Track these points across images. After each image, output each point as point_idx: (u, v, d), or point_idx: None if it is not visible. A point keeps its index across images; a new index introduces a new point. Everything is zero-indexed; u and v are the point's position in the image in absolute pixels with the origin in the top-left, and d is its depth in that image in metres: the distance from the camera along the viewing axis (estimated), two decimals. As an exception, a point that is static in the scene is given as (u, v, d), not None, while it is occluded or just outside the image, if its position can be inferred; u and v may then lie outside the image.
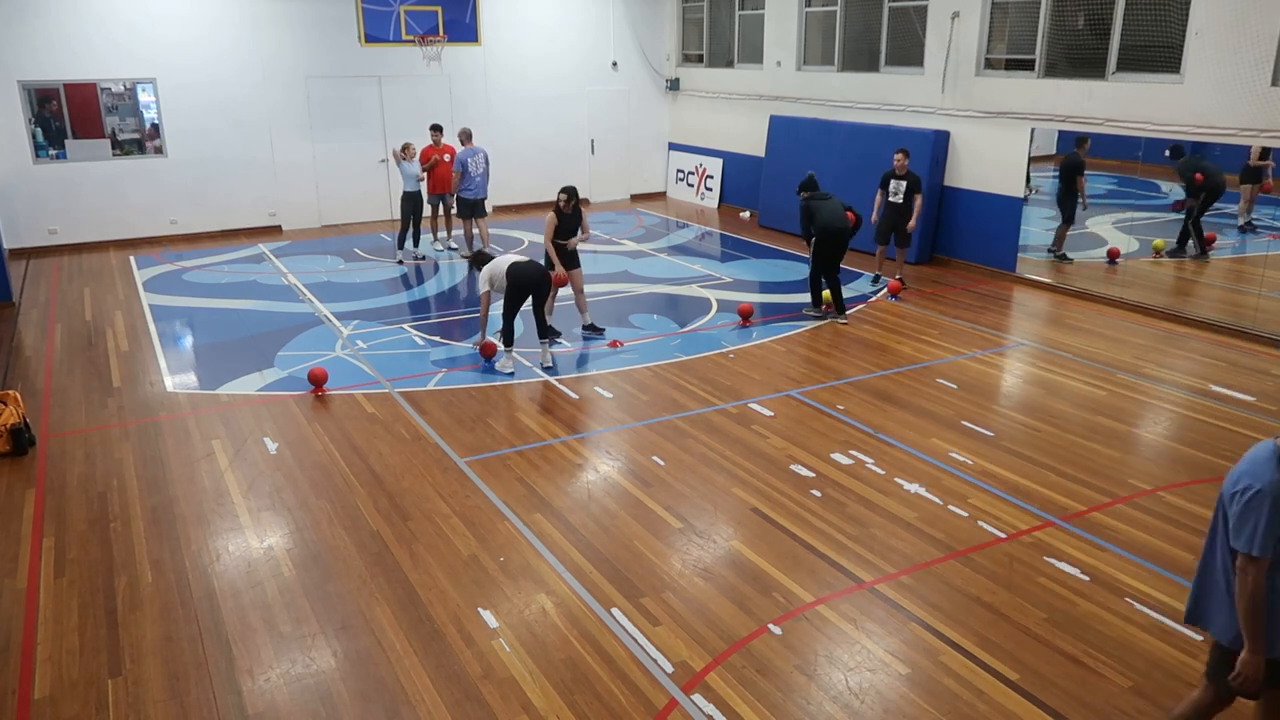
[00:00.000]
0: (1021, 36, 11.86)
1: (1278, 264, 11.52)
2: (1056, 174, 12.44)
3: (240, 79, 14.67)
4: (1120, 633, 4.91)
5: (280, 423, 7.67)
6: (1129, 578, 5.41)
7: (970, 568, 5.52)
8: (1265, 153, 11.53)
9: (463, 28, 16.09)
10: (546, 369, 8.86)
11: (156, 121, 14.39)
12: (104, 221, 14.29)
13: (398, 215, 13.74)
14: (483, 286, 8.88)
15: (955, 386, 8.42)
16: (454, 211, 13.62)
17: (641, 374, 8.79)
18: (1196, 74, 9.78)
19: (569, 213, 9.34)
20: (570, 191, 9.36)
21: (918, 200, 11.47)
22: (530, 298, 8.67)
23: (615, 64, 17.79)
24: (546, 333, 8.96)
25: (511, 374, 8.75)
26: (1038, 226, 12.82)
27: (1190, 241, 12.20)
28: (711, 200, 17.81)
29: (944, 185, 12.92)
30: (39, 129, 13.78)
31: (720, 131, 17.45)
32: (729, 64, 17.15)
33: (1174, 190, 13.28)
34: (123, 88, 14.21)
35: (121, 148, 14.34)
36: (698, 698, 4.42)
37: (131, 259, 13.52)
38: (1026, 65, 11.72)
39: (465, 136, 13.08)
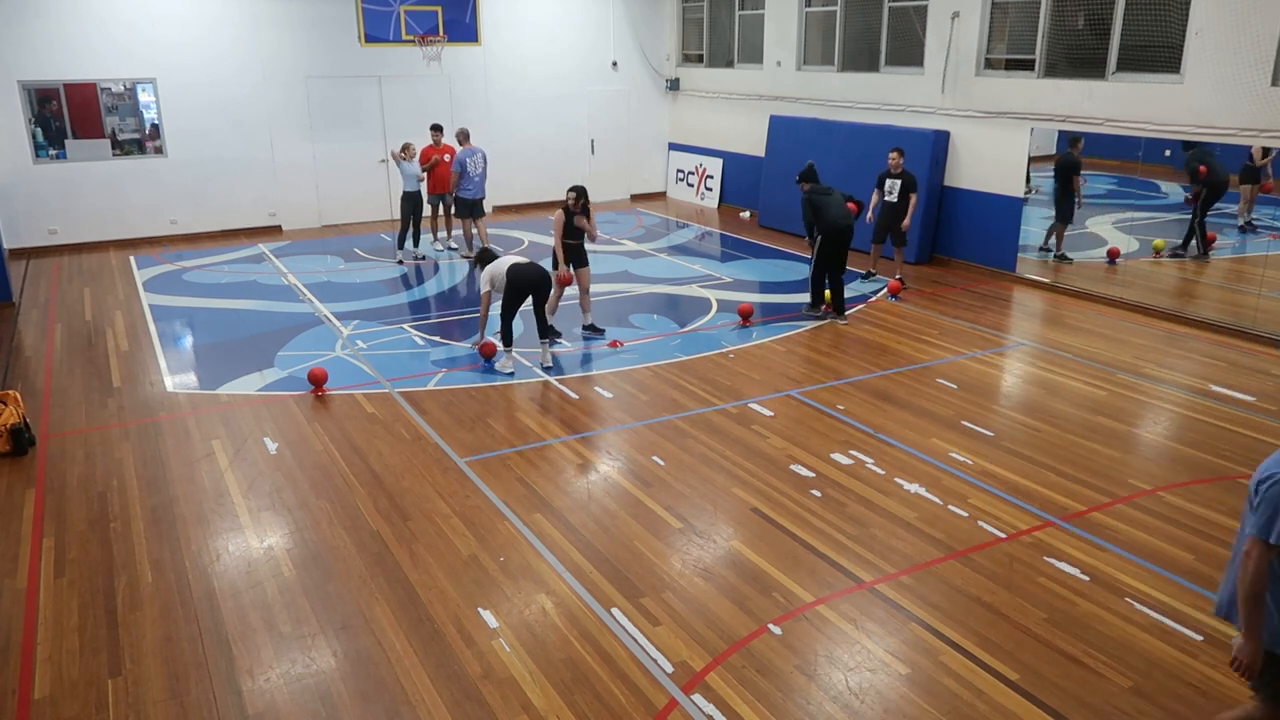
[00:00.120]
0: (1021, 36, 11.86)
1: (1278, 264, 11.52)
2: (1050, 174, 12.44)
3: (240, 79, 14.67)
4: (1120, 633, 4.91)
5: (280, 423, 7.67)
6: (1129, 578, 5.41)
7: (970, 568, 5.52)
8: (1265, 153, 11.54)
9: (463, 28, 16.09)
10: (546, 369, 8.86)
11: (156, 121, 14.39)
12: (104, 221, 14.29)
13: (398, 215, 13.74)
14: (483, 287, 8.88)
15: (955, 386, 8.43)
16: (453, 212, 13.62)
17: (641, 374, 8.79)
18: (1196, 74, 9.78)
19: (577, 212, 9.36)
20: (579, 190, 9.39)
21: (913, 199, 11.49)
22: (530, 299, 8.67)
23: (615, 64, 17.79)
24: (546, 333, 8.96)
25: (511, 374, 8.75)
26: (1038, 226, 12.83)
27: (1193, 241, 12.19)
28: (711, 200, 17.81)
29: (944, 185, 12.92)
30: (39, 129, 13.78)
31: (720, 131, 17.45)
32: (729, 64, 17.15)
33: (1174, 190, 13.29)
34: (123, 88, 14.22)
35: (121, 148, 14.34)
36: (698, 698, 4.42)
37: (131, 259, 13.52)
38: (1026, 65, 11.72)
39: (464, 136, 13.09)
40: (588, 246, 9.72)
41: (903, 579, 5.41)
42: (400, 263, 13.10)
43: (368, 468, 6.85)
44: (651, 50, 18.14)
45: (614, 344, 9.61)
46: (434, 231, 14.19)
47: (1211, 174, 11.62)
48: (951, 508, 6.23)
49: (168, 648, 4.81)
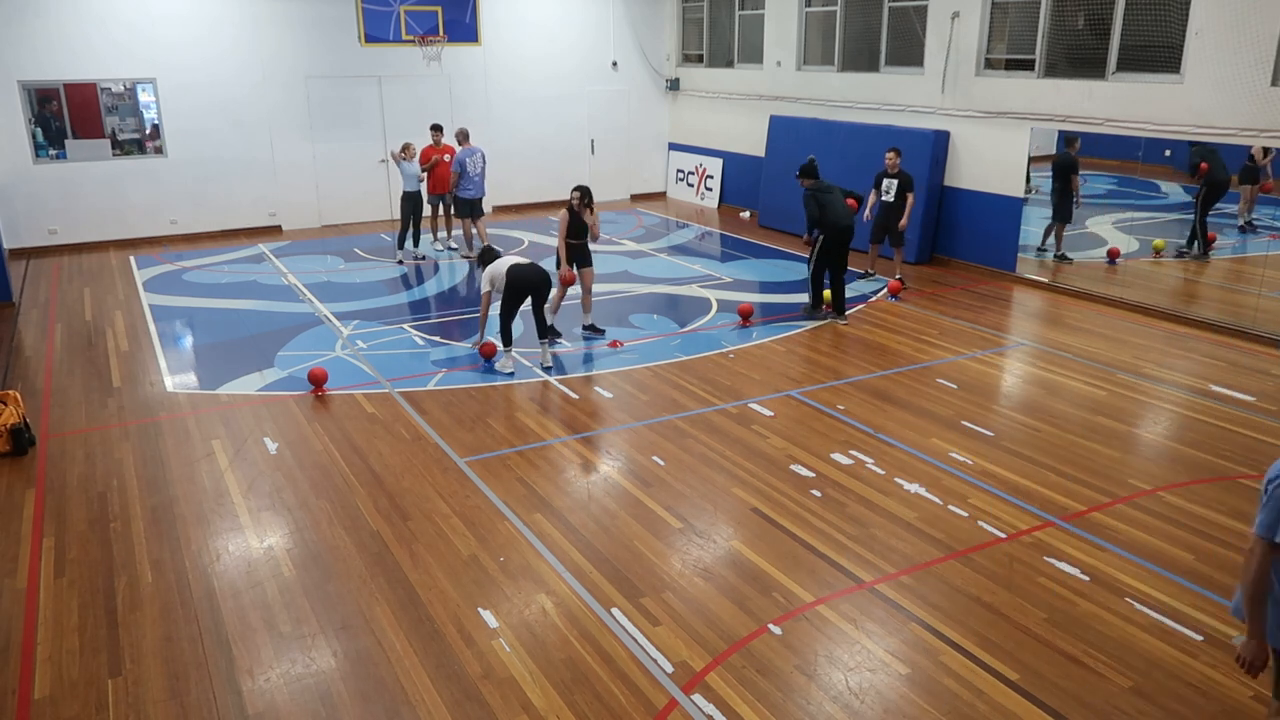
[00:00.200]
0: (1021, 36, 11.86)
1: (1278, 264, 11.53)
2: (1048, 174, 12.42)
3: (240, 79, 14.67)
4: (1120, 633, 4.91)
5: (280, 423, 7.67)
6: (1129, 578, 5.41)
7: (970, 568, 5.52)
8: (1265, 153, 11.53)
9: (463, 28, 16.09)
10: (546, 369, 8.86)
11: (156, 121, 14.39)
12: (104, 221, 14.29)
13: (398, 215, 13.74)
14: (484, 286, 8.88)
15: (955, 386, 8.43)
16: (453, 212, 13.63)
17: (641, 374, 8.79)
18: (1196, 74, 9.78)
19: (580, 209, 9.38)
20: (584, 190, 9.42)
21: (910, 199, 11.51)
22: (529, 300, 8.67)
23: (615, 64, 17.79)
24: (546, 333, 8.96)
25: (511, 374, 8.75)
26: (1038, 226, 12.83)
27: (1197, 240, 12.16)
28: (711, 200, 17.81)
29: (944, 185, 12.92)
30: (39, 129, 13.78)
31: (720, 131, 17.45)
32: (729, 64, 17.15)
33: (1174, 190, 13.29)
34: (123, 88, 14.22)
35: (121, 148, 14.34)
36: (698, 698, 4.42)
37: (131, 259, 13.52)
38: (1026, 65, 11.72)
39: (463, 136, 13.09)
40: (591, 246, 9.75)
41: (903, 579, 5.41)
42: (400, 263, 13.10)
43: (368, 468, 6.85)
44: (651, 50, 18.14)
45: (614, 344, 9.61)
46: (434, 231, 14.19)
47: (1212, 172, 11.60)
48: (951, 508, 6.23)
49: (168, 648, 4.82)
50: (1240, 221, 12.57)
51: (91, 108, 14.00)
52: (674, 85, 18.30)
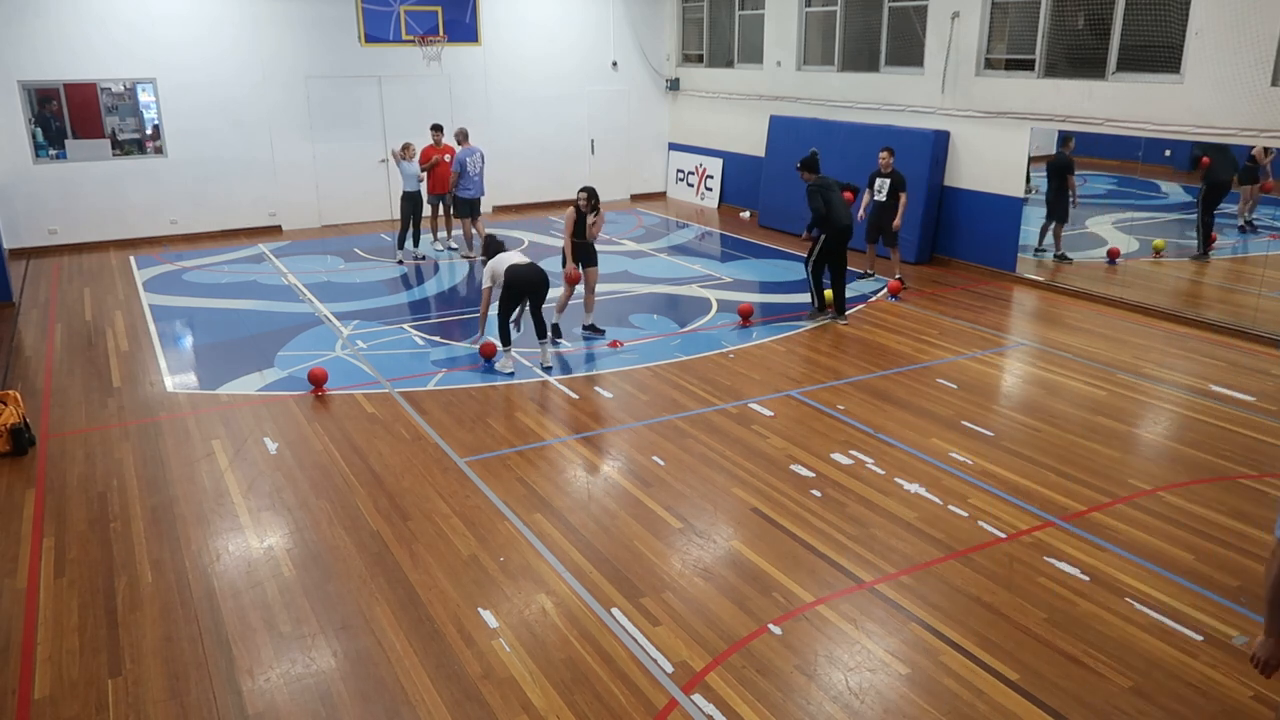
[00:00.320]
0: (1021, 36, 11.86)
1: (1278, 264, 11.53)
2: (1044, 174, 12.40)
3: (240, 79, 14.67)
4: (1120, 633, 4.91)
5: (280, 423, 7.67)
6: (1129, 578, 5.41)
7: (970, 568, 5.52)
8: (1266, 153, 11.52)
9: (463, 28, 16.09)
10: (546, 369, 8.86)
11: (157, 121, 14.39)
12: (104, 221, 14.29)
13: (398, 215, 13.74)
14: (485, 282, 8.84)
15: (955, 386, 8.42)
16: (453, 211, 13.63)
17: (641, 374, 8.79)
18: (1196, 74, 9.78)
19: (586, 210, 9.41)
20: (590, 191, 9.48)
21: (903, 199, 11.52)
22: (527, 301, 8.66)
23: (615, 64, 17.79)
24: (546, 333, 8.96)
25: (511, 374, 8.75)
26: (1038, 226, 12.82)
27: (1198, 240, 12.12)
28: (711, 200, 17.81)
29: (944, 185, 12.92)
30: (39, 129, 13.78)
31: (720, 131, 17.45)
32: (729, 64, 17.15)
33: (1174, 190, 13.28)
34: (123, 88, 14.22)
35: (121, 148, 14.34)
36: (698, 698, 4.42)
37: (131, 259, 13.52)
38: (1026, 65, 11.72)
39: (463, 136, 13.10)
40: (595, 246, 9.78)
41: (903, 579, 5.41)
42: (400, 263, 13.10)
43: (368, 468, 6.85)
44: (651, 50, 18.14)
45: (614, 344, 9.61)
46: (434, 231, 14.19)
47: (1213, 170, 11.55)
48: (951, 508, 6.23)
49: (168, 648, 4.82)
50: (1240, 221, 12.57)
51: (91, 108, 14.00)
52: (674, 85, 18.30)
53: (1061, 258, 12.60)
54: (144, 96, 14.30)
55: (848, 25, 14.34)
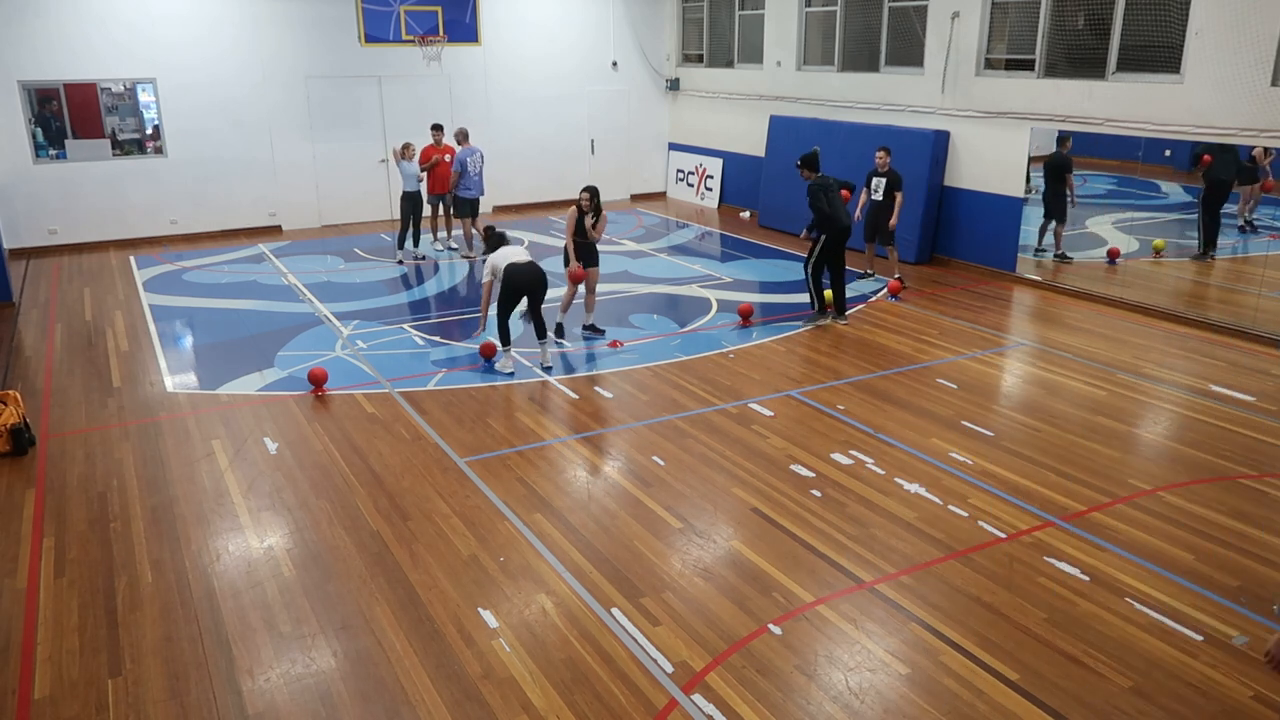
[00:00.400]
0: (1021, 36, 11.86)
1: (1278, 264, 11.53)
2: (1041, 174, 12.38)
3: (240, 79, 14.67)
4: (1120, 633, 4.91)
5: (280, 423, 7.67)
6: (1129, 578, 5.41)
7: (970, 568, 5.52)
8: (1266, 153, 11.52)
9: (463, 28, 16.09)
10: (546, 369, 8.86)
11: (157, 121, 14.39)
12: (104, 221, 14.29)
13: (397, 215, 13.74)
14: (486, 275, 8.79)
15: (955, 386, 8.42)
16: (453, 211, 13.63)
17: (641, 374, 8.79)
18: (1196, 74, 9.78)
19: (589, 210, 9.41)
20: (592, 191, 9.50)
21: (898, 198, 11.53)
22: (526, 300, 8.64)
23: (615, 64, 17.79)
24: (546, 333, 8.95)
25: (511, 374, 8.75)
26: (1037, 227, 12.82)
27: (1208, 238, 12.07)
28: (711, 200, 17.81)
29: (944, 185, 12.92)
30: (39, 129, 13.78)
31: (720, 131, 17.45)
32: (729, 64, 17.15)
33: (1174, 190, 13.28)
34: (123, 88, 14.22)
35: (121, 148, 14.34)
36: (698, 698, 4.42)
37: (131, 259, 13.52)
38: (1026, 65, 11.72)
39: (463, 136, 13.10)
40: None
41: (903, 579, 5.41)
42: (400, 263, 13.10)
43: (368, 468, 6.85)
44: (651, 50, 18.14)
45: (614, 344, 9.61)
46: (434, 231, 14.18)
47: (1214, 167, 11.52)
48: (951, 508, 6.23)
49: (168, 648, 4.82)
50: (1240, 221, 12.57)
51: (91, 108, 14.00)
52: (674, 85, 18.30)
53: (1062, 257, 12.60)
54: (144, 96, 14.31)
55: (848, 25, 14.34)
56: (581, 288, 9.86)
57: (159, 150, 14.50)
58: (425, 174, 13.14)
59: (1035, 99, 11.53)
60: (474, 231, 13.25)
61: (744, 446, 7.18)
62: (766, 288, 12.01)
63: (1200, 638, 4.86)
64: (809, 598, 5.22)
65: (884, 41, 13.67)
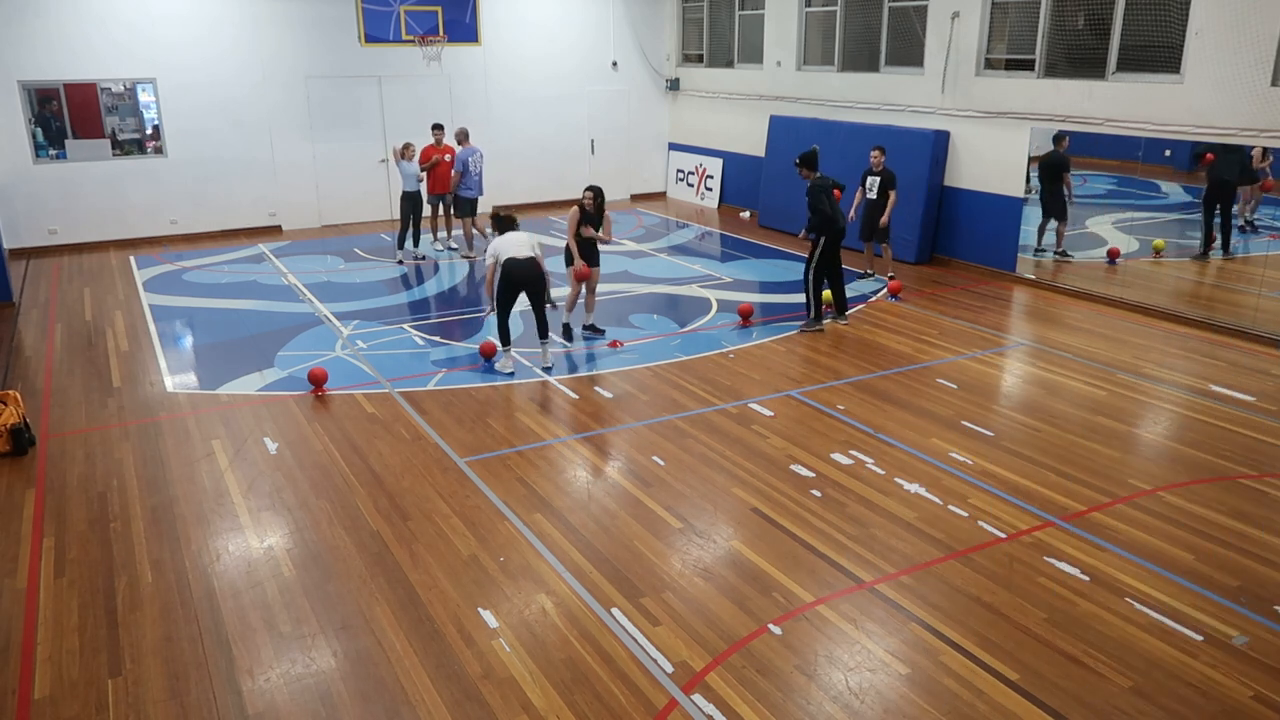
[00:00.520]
0: (1021, 36, 11.87)
1: (1278, 264, 11.52)
2: (1038, 174, 12.34)
3: (240, 79, 14.67)
4: (1120, 633, 4.91)
5: (280, 423, 7.67)
6: (1129, 578, 5.41)
7: (970, 568, 5.52)
8: (1265, 154, 11.50)
9: (463, 28, 16.09)
10: (546, 369, 8.86)
11: (157, 121, 14.39)
12: (104, 221, 14.29)
13: (397, 215, 13.74)
14: (488, 259, 8.70)
15: (955, 386, 8.42)
16: (453, 211, 13.63)
17: (641, 374, 8.79)
18: (1196, 74, 9.78)
19: (592, 210, 9.41)
20: (596, 191, 9.53)
21: (892, 196, 11.56)
22: (525, 297, 8.63)
23: (615, 64, 17.79)
24: (547, 332, 8.95)
25: (511, 374, 8.75)
26: (1037, 226, 12.80)
27: (1216, 238, 12.03)
28: (711, 200, 17.81)
29: (944, 185, 12.92)
30: (39, 129, 13.78)
31: (720, 131, 17.45)
32: (729, 64, 17.15)
33: (1174, 190, 13.26)
34: (123, 88, 14.22)
35: (121, 148, 14.34)
36: (698, 698, 4.42)
37: (131, 259, 13.52)
38: (1026, 65, 11.73)
39: (463, 136, 13.11)
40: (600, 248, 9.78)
41: (903, 579, 5.41)
42: (400, 263, 13.10)
43: (368, 468, 6.85)
44: (651, 50, 18.14)
45: (614, 344, 9.61)
46: (434, 231, 14.18)
47: (1215, 166, 11.48)
48: (951, 508, 6.23)
49: (168, 648, 4.82)
50: (1240, 221, 12.55)
51: (91, 108, 14.00)
52: (674, 85, 18.30)
53: (1063, 254, 12.59)
54: (144, 96, 14.31)
55: (848, 25, 14.34)
56: (582, 287, 9.86)
57: (159, 150, 14.50)
58: (425, 174, 13.14)
59: (1035, 99, 11.53)
60: (474, 231, 13.26)
61: (744, 446, 7.18)
62: (766, 288, 12.01)
63: (1200, 638, 4.86)
64: (809, 598, 5.22)
65: (884, 41, 13.67)
